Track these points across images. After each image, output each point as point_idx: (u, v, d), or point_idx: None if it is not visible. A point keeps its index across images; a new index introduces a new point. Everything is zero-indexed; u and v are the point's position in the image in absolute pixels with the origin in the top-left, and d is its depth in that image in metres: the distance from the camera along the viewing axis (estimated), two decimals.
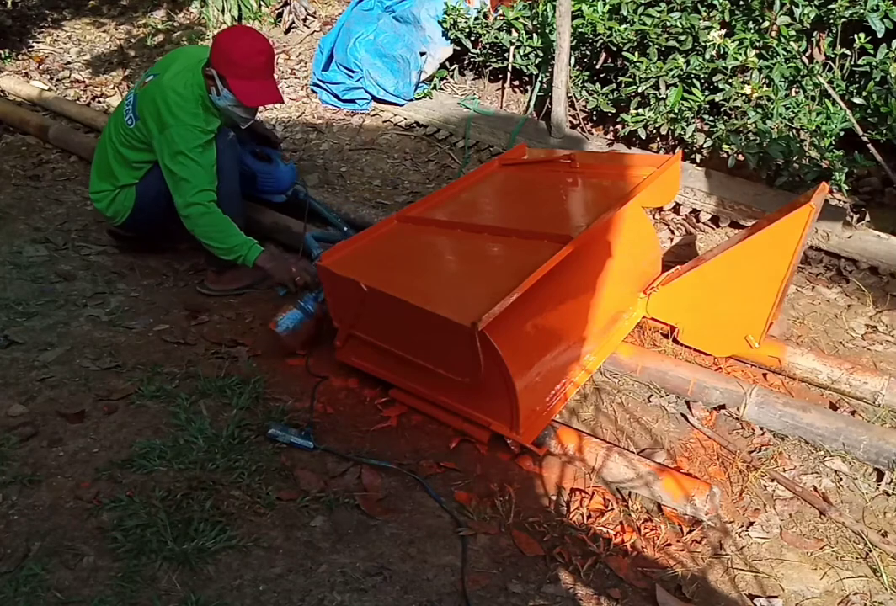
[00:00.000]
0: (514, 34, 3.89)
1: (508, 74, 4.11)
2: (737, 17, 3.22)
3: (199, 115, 2.42)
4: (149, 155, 2.52)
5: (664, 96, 3.33)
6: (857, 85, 3.09)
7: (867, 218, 3.14)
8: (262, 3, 5.18)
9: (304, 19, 5.03)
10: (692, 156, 3.39)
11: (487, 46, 4.03)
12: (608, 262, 2.36)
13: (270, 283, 2.71)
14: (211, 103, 2.48)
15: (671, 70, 3.27)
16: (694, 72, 3.24)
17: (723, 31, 3.16)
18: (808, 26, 3.06)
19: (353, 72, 4.13)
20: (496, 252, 2.13)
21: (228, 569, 1.64)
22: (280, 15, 5.06)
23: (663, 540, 1.81)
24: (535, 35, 3.81)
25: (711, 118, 3.34)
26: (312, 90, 4.43)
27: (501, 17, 3.93)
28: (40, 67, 4.91)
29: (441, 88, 4.31)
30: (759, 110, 3.11)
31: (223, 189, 2.51)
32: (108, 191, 2.64)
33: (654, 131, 3.45)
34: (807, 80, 3.13)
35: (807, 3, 3.03)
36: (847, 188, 3.04)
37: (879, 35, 2.91)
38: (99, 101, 4.59)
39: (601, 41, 3.52)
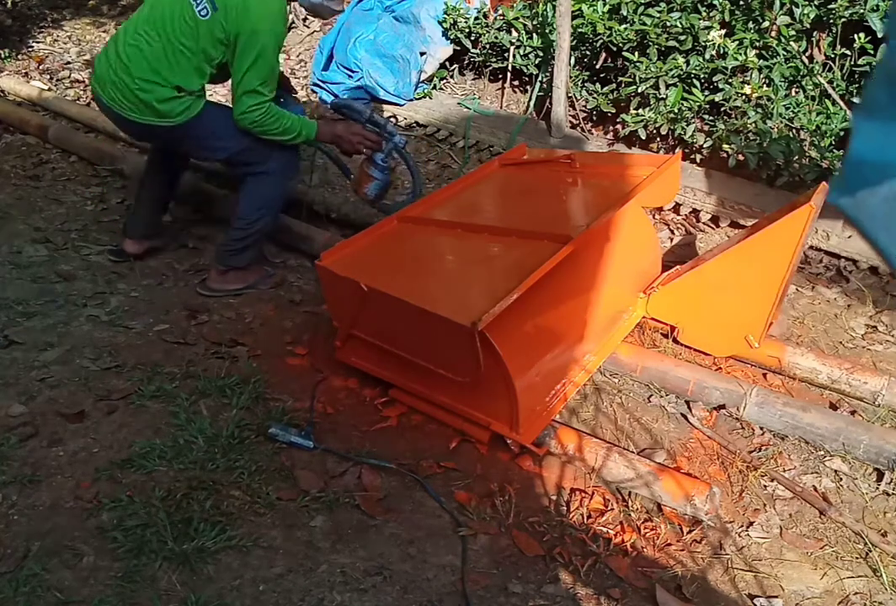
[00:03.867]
0: (514, 34, 3.89)
1: (508, 74, 4.11)
2: (737, 17, 3.22)
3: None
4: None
5: (664, 96, 3.33)
6: (857, 85, 3.09)
7: None
8: None
9: (304, 19, 5.04)
10: (692, 156, 3.39)
11: (487, 46, 4.03)
12: (608, 262, 2.36)
13: (272, 282, 2.77)
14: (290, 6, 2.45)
15: (671, 70, 3.27)
16: (694, 72, 3.24)
17: (723, 31, 3.16)
18: (808, 26, 3.06)
19: (353, 72, 4.13)
20: (496, 252, 2.13)
21: (228, 569, 1.64)
22: None
23: (663, 540, 1.81)
24: (535, 35, 3.82)
25: (711, 118, 3.34)
26: (312, 90, 4.43)
27: (501, 17, 3.93)
28: (40, 67, 4.91)
29: (441, 88, 4.32)
30: (759, 110, 3.12)
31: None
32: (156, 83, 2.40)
33: (654, 131, 3.45)
34: (807, 80, 3.13)
35: (807, 3, 3.03)
36: None
37: (879, 35, 2.91)
38: None
39: (601, 41, 3.52)
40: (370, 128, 2.64)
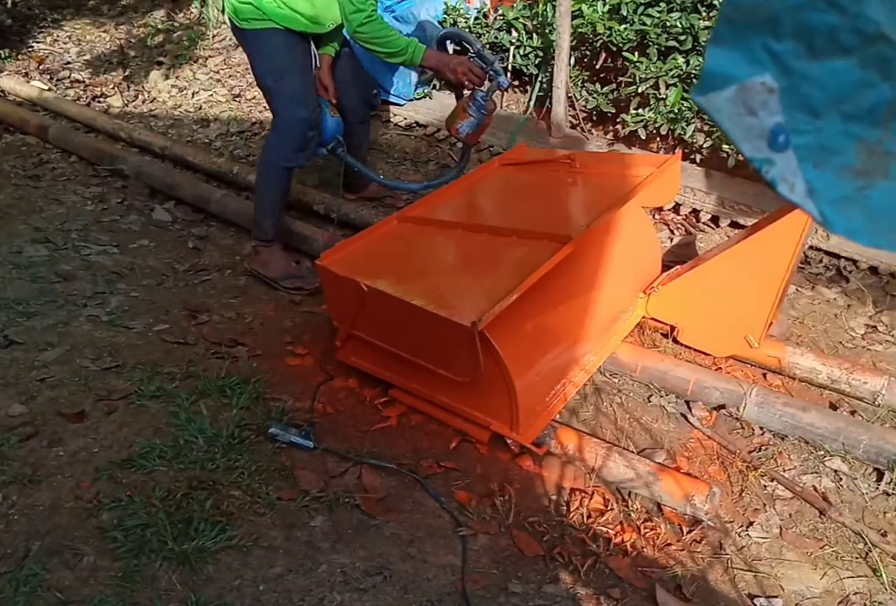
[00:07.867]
0: (514, 34, 3.89)
1: (508, 74, 4.11)
2: None
3: None
4: None
5: (664, 96, 3.33)
6: None
7: None
8: None
9: None
10: (692, 156, 3.39)
11: (487, 46, 4.03)
12: (608, 262, 2.36)
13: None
14: None
15: (671, 70, 3.27)
16: (694, 72, 3.23)
17: None
18: None
19: None
20: (496, 252, 2.13)
21: (228, 569, 1.64)
22: None
23: (663, 540, 1.81)
24: (535, 35, 3.81)
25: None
26: None
27: (501, 17, 3.93)
28: (40, 67, 4.91)
29: (441, 88, 4.31)
30: None
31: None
32: None
33: (654, 131, 3.45)
34: None
35: None
36: None
37: None
38: (99, 101, 4.59)
39: (601, 41, 3.52)
40: (477, 63, 2.61)
